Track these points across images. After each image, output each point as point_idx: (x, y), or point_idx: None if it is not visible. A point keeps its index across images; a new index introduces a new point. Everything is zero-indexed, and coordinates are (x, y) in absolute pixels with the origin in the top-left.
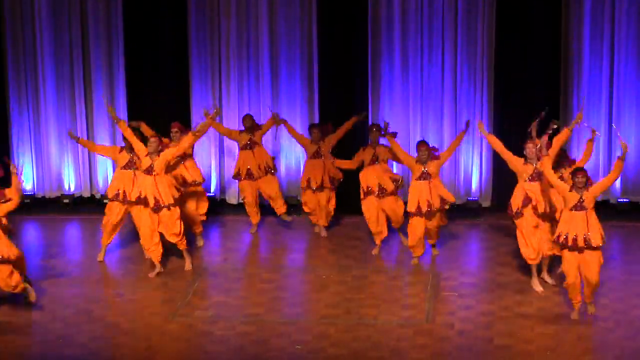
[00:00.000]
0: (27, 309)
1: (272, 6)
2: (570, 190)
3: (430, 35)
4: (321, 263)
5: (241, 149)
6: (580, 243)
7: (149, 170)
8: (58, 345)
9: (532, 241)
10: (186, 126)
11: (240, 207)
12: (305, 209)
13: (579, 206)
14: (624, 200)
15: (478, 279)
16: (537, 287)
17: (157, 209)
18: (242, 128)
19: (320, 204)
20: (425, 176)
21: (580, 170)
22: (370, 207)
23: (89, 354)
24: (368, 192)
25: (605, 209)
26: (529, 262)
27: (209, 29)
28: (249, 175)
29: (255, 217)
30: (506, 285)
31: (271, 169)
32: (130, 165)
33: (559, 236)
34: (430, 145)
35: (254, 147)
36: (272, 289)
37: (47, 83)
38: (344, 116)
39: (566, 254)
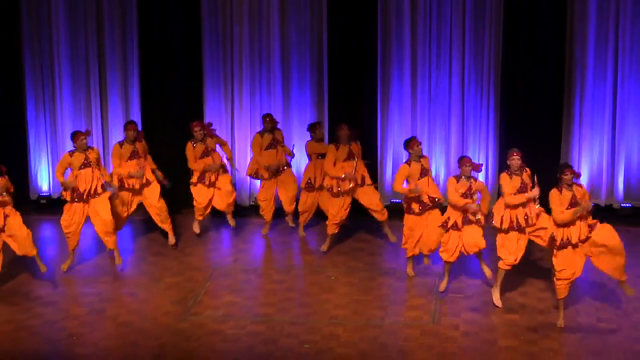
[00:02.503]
0: (42, 308)
1: (283, 13)
2: (560, 191)
3: (438, 42)
4: (330, 265)
5: (265, 148)
6: (575, 240)
7: None
8: (71, 343)
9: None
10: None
11: (250, 209)
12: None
13: (573, 203)
14: (627, 205)
15: (483, 281)
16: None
17: None
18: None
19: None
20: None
21: (567, 167)
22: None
23: (101, 352)
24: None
25: (609, 214)
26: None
27: (221, 36)
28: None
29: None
30: (510, 287)
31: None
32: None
33: (553, 237)
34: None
35: (277, 147)
36: (282, 289)
37: (63, 88)
38: (353, 122)
39: (560, 252)
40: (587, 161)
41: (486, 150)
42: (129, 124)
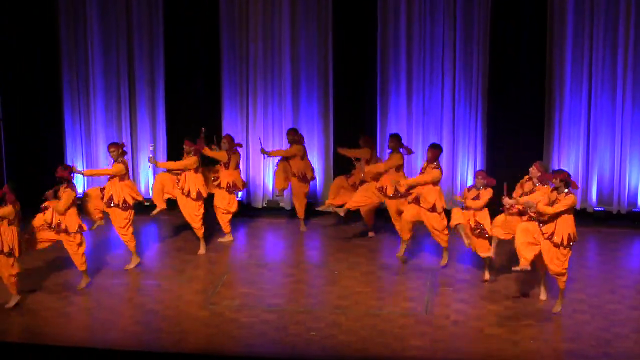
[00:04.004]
0: (78, 297)
1: (293, 34)
2: (552, 191)
3: (431, 60)
4: (334, 260)
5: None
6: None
7: None
8: (103, 329)
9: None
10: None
11: (263, 211)
12: None
13: (552, 203)
14: (600, 209)
15: (471, 276)
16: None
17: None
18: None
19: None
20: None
21: (556, 173)
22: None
23: (130, 336)
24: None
25: (583, 217)
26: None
27: (238, 53)
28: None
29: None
30: (495, 281)
31: (305, 178)
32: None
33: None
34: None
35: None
36: (291, 282)
37: (97, 99)
38: (356, 131)
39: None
40: (564, 169)
41: (474, 157)
42: (184, 138)
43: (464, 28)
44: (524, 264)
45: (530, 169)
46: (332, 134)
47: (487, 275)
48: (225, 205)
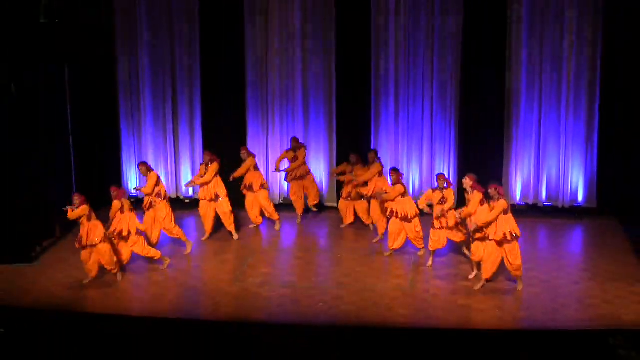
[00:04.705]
0: (133, 276)
1: (304, 64)
2: (491, 201)
3: (414, 86)
4: (337, 246)
5: (290, 161)
6: (499, 237)
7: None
8: (153, 300)
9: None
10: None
11: (280, 206)
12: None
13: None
14: (548, 204)
15: (447, 259)
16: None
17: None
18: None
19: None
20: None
21: (491, 184)
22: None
23: (174, 308)
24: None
25: (535, 211)
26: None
27: (259, 79)
28: (294, 178)
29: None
30: (467, 263)
31: (302, 177)
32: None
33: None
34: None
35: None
36: (303, 263)
37: (147, 117)
38: (355, 142)
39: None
40: (520, 172)
41: (449, 162)
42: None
43: (439, 62)
44: (482, 281)
45: (464, 180)
46: (335, 143)
47: (468, 253)
48: (267, 203)
